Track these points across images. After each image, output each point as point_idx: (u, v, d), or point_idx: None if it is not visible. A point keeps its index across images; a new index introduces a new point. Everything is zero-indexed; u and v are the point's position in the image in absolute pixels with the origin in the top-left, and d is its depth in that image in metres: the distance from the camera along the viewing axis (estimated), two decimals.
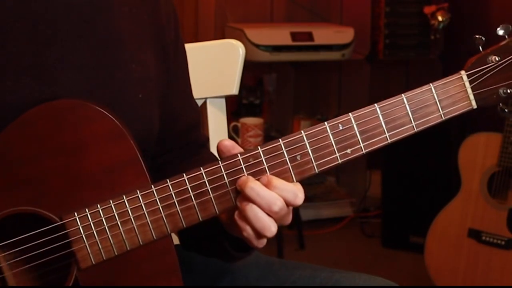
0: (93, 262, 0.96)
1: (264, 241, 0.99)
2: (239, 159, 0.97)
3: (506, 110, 1.04)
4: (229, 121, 1.55)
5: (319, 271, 1.16)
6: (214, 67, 1.43)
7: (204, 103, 1.44)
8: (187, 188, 0.97)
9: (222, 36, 3.35)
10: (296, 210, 3.19)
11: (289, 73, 3.61)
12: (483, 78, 1.02)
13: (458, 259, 2.55)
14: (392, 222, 3.21)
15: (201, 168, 0.97)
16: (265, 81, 3.49)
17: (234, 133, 3.21)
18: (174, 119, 1.17)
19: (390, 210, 3.21)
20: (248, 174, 0.97)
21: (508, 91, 1.02)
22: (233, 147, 0.98)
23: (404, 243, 3.15)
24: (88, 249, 0.95)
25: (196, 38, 3.38)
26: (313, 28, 3.27)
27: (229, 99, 1.47)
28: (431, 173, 3.08)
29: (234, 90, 1.45)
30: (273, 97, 3.54)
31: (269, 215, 0.96)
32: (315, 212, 3.46)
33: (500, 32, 1.02)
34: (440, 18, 3.09)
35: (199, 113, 1.24)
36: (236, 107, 3.38)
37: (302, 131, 0.99)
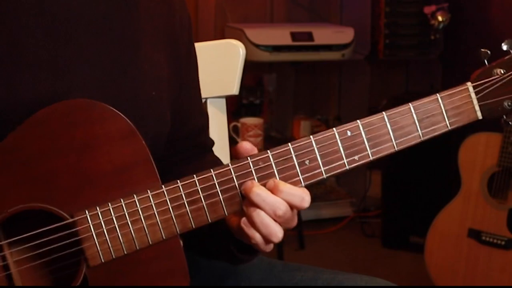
0: (103, 260, 0.96)
1: (271, 246, 1.01)
2: (248, 162, 0.98)
3: (510, 123, 1.06)
4: (229, 121, 1.55)
5: (321, 273, 1.17)
6: (214, 67, 1.43)
7: (204, 103, 1.44)
8: (197, 189, 0.97)
9: (222, 36, 3.35)
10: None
11: (289, 73, 3.61)
12: (488, 90, 1.04)
13: (458, 259, 2.55)
14: (392, 222, 3.21)
15: (211, 170, 0.98)
16: (265, 81, 3.50)
17: (234, 133, 3.21)
18: (184, 122, 1.17)
19: (390, 210, 3.22)
20: (257, 177, 0.98)
21: None
22: (252, 150, 0.99)
23: (404, 243, 3.16)
24: (98, 247, 0.96)
25: (196, 38, 3.37)
26: (313, 28, 3.27)
27: (229, 99, 1.48)
28: (431, 173, 3.08)
29: (234, 90, 1.45)
30: (273, 97, 3.54)
31: (274, 220, 0.97)
32: (315, 212, 3.46)
33: (505, 47, 1.05)
34: (440, 18, 3.09)
35: (207, 117, 1.25)
36: (236, 107, 3.38)
37: (311, 137, 1.00)
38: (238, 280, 1.18)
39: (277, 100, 3.58)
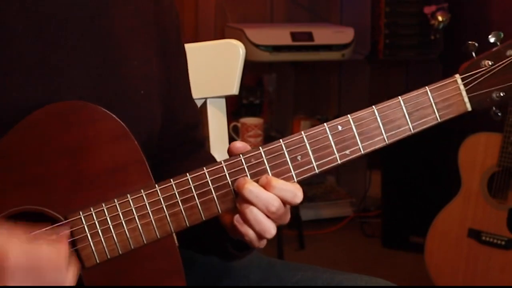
0: (98, 261, 0.96)
1: (265, 242, 1.01)
2: (241, 159, 0.99)
3: (499, 114, 1.07)
4: (229, 121, 1.55)
5: (321, 273, 1.17)
6: (214, 67, 1.43)
7: (204, 103, 1.44)
8: (191, 187, 0.98)
9: (222, 36, 3.35)
10: (296, 210, 3.19)
11: (289, 73, 3.61)
12: (477, 81, 1.05)
13: (458, 259, 2.55)
14: (392, 222, 3.21)
15: (204, 168, 0.98)
16: (265, 81, 3.49)
17: (234, 133, 3.21)
18: (174, 119, 1.18)
19: (390, 210, 3.22)
20: (250, 174, 0.99)
21: (501, 94, 1.05)
22: (245, 148, 1.00)
23: (404, 243, 3.16)
24: (93, 247, 0.96)
25: (196, 38, 3.38)
26: (313, 28, 3.27)
27: (229, 99, 1.48)
28: (431, 173, 3.08)
29: (234, 90, 1.45)
30: (273, 97, 3.54)
31: (267, 216, 0.97)
32: (315, 212, 3.46)
33: (492, 39, 1.06)
34: (440, 18, 3.09)
35: (198, 113, 1.25)
36: (236, 107, 3.38)
37: (303, 132, 1.01)
38: (237, 279, 1.18)
39: (277, 100, 3.58)
